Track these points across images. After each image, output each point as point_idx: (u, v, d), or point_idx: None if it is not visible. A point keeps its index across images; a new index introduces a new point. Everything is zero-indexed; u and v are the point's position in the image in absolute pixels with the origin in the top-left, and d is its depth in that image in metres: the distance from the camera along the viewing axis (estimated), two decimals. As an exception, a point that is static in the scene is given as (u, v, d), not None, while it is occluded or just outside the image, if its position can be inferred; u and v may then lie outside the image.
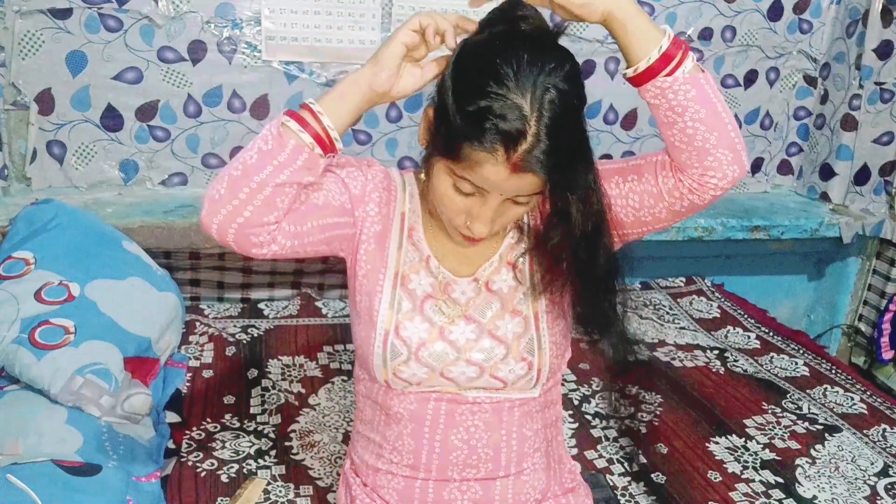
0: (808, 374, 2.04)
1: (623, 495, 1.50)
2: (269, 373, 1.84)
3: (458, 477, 1.06)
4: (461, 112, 0.85)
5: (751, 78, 2.56)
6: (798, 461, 1.63)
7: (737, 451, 1.66)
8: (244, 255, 0.94)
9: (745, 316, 2.40)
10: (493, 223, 0.92)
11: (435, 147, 0.92)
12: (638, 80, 0.89)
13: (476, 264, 1.04)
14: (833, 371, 2.06)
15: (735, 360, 2.08)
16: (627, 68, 0.90)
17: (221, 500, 1.40)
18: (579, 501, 1.19)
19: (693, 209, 0.94)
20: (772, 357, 2.13)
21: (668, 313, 2.37)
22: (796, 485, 1.56)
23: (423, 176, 0.99)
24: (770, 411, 1.83)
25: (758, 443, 1.69)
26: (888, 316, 2.49)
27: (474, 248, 1.02)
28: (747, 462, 1.62)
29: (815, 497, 1.52)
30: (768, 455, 1.65)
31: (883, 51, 2.38)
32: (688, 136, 0.89)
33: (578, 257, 0.93)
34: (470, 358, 1.01)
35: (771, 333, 2.28)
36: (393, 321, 1.00)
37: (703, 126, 0.87)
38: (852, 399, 1.91)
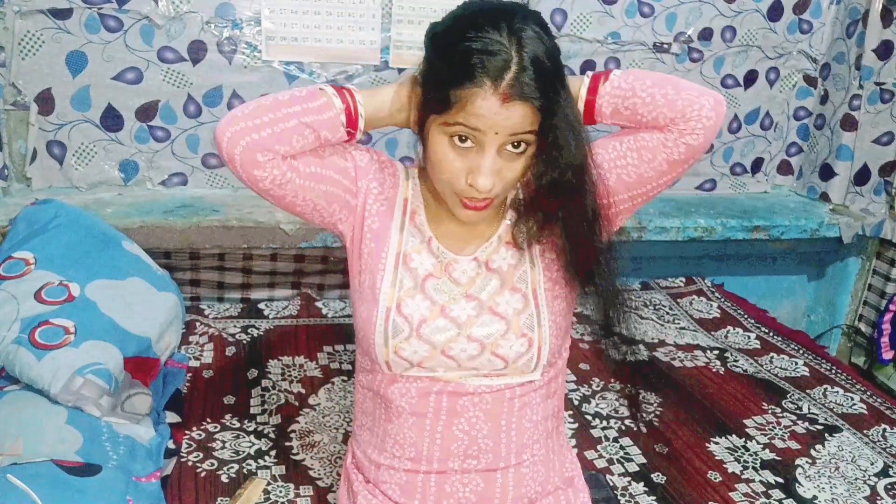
0: (808, 375, 2.04)
1: (623, 495, 1.50)
2: (269, 373, 1.84)
3: (459, 468, 1.07)
4: (446, 61, 0.90)
5: (751, 78, 2.56)
6: (798, 461, 1.63)
7: (737, 451, 1.66)
8: (247, 181, 0.97)
9: (745, 316, 2.40)
10: (495, 178, 0.93)
11: (427, 109, 0.95)
12: (591, 113, 0.99)
13: (476, 245, 1.06)
14: (833, 371, 2.06)
15: (735, 360, 2.08)
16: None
17: (221, 500, 1.40)
18: (578, 494, 1.20)
19: (692, 153, 0.98)
20: (772, 357, 2.13)
21: (668, 313, 2.37)
22: (796, 485, 1.56)
23: (420, 163, 1.04)
24: (770, 411, 1.83)
25: (758, 443, 1.69)
26: (888, 316, 2.50)
27: (474, 229, 1.05)
28: (747, 462, 1.62)
29: (815, 497, 1.52)
30: (768, 455, 1.65)
31: (883, 51, 2.38)
32: (651, 105, 0.96)
33: (569, 196, 0.96)
34: (471, 334, 1.02)
35: (771, 333, 2.28)
36: (395, 298, 1.02)
37: (656, 87, 0.96)
38: (852, 399, 1.91)
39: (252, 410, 1.69)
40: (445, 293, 1.04)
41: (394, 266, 1.04)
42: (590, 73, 1.00)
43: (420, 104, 0.97)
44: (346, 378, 1.84)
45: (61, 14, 1.94)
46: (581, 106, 0.98)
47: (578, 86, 0.99)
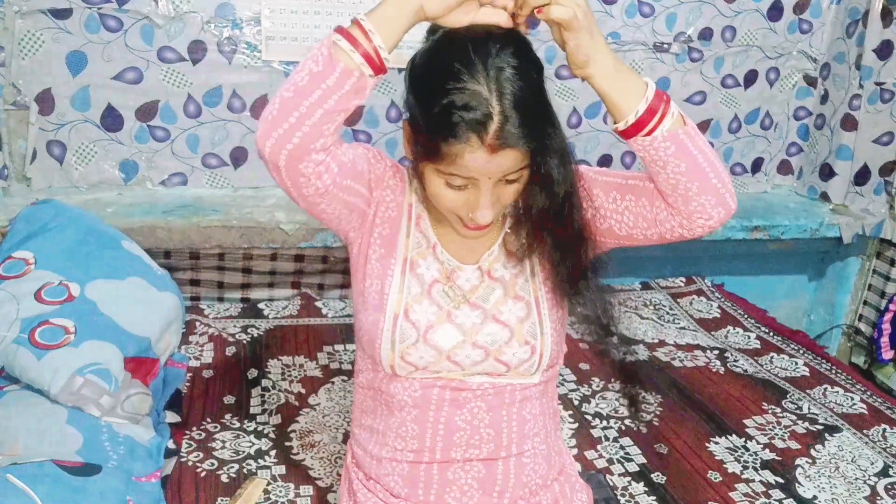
0: (808, 374, 2.04)
1: (623, 495, 1.50)
2: (269, 373, 1.84)
3: (461, 458, 1.09)
4: (428, 115, 0.90)
5: (751, 78, 2.56)
6: (798, 461, 1.63)
7: (737, 451, 1.66)
8: (292, 188, 0.93)
9: (745, 316, 2.40)
10: (494, 207, 0.95)
11: (418, 154, 0.95)
12: (624, 134, 0.94)
13: (478, 253, 1.07)
14: (833, 371, 2.06)
15: (735, 360, 2.08)
16: (615, 122, 0.94)
17: (221, 500, 1.40)
18: (576, 491, 1.21)
19: (685, 239, 0.99)
20: (772, 357, 2.13)
21: (668, 313, 2.37)
22: (796, 485, 1.56)
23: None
24: (770, 411, 1.83)
25: (758, 443, 1.69)
26: (888, 316, 2.50)
27: (478, 239, 1.06)
28: (747, 462, 1.62)
29: (815, 497, 1.52)
30: (768, 455, 1.65)
31: (883, 51, 2.38)
32: (671, 185, 0.94)
33: (560, 217, 0.96)
34: (476, 341, 1.04)
35: (771, 333, 2.28)
36: (402, 304, 1.03)
37: (685, 177, 0.92)
38: (852, 399, 1.91)
39: (252, 410, 1.69)
40: (451, 299, 1.05)
41: (401, 272, 1.04)
42: (649, 96, 0.92)
43: (412, 144, 0.97)
44: (346, 378, 1.84)
45: (61, 14, 1.94)
46: (627, 120, 0.93)
47: (632, 97, 0.92)
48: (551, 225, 0.98)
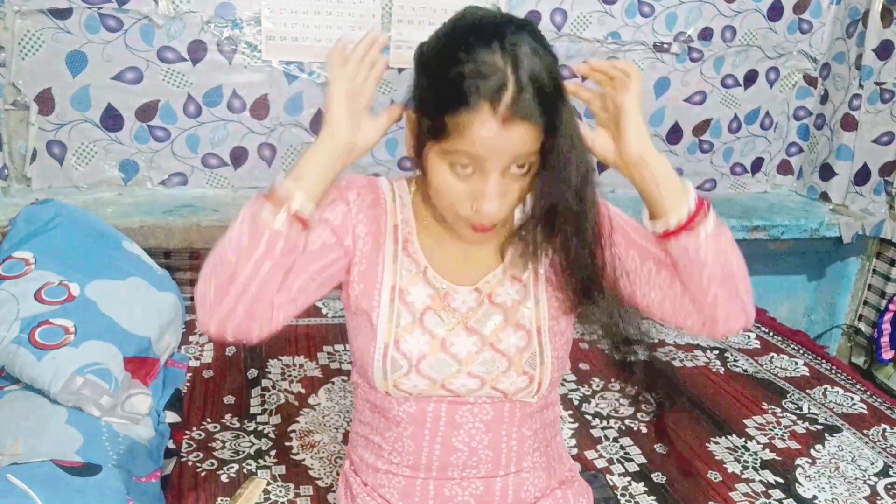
0: (808, 374, 2.04)
1: (623, 495, 1.50)
2: (269, 373, 1.84)
3: (459, 476, 1.06)
4: (439, 87, 0.86)
5: (751, 78, 2.56)
6: (798, 461, 1.63)
7: (737, 451, 1.66)
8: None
9: (745, 316, 2.39)
10: (501, 201, 0.89)
11: (424, 138, 0.90)
12: (667, 235, 0.92)
13: (477, 274, 1.02)
14: (833, 371, 2.06)
15: (735, 360, 2.08)
16: (651, 219, 0.93)
17: (221, 500, 1.40)
18: (577, 495, 1.19)
19: (702, 334, 0.99)
20: (772, 357, 2.13)
21: (668, 313, 2.37)
22: (796, 485, 1.56)
23: (413, 187, 1.02)
24: (770, 411, 1.83)
25: (758, 443, 1.69)
26: (888, 316, 2.50)
27: (473, 255, 1.01)
28: (747, 462, 1.62)
29: (815, 497, 1.52)
30: (768, 455, 1.65)
31: (883, 51, 2.38)
32: (700, 290, 0.93)
33: (568, 216, 0.92)
34: (471, 370, 0.99)
35: (771, 333, 2.28)
36: (392, 335, 0.98)
37: (714, 285, 0.92)
38: (852, 399, 1.91)
39: (252, 410, 1.69)
40: (445, 324, 0.99)
41: (389, 301, 0.99)
42: (693, 204, 0.92)
43: (416, 130, 0.92)
44: (345, 378, 1.84)
45: (61, 14, 1.94)
46: (680, 216, 0.91)
47: (675, 197, 0.92)
48: (562, 222, 0.92)
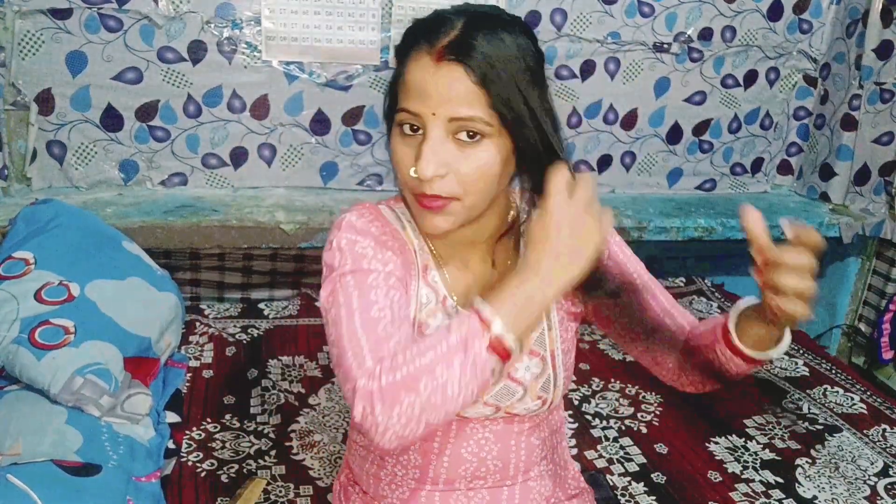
0: (808, 374, 2.04)
1: (623, 495, 1.50)
2: (269, 373, 1.84)
3: (466, 487, 1.05)
4: (398, 51, 0.87)
5: (751, 78, 2.56)
6: (798, 461, 1.63)
7: (737, 451, 1.66)
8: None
9: (745, 316, 2.39)
10: (439, 166, 0.83)
11: (388, 119, 0.91)
12: (750, 359, 0.88)
13: None
14: (833, 371, 2.06)
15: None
16: (746, 346, 0.86)
17: (221, 500, 1.40)
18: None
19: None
20: (772, 357, 2.13)
21: (668, 313, 2.36)
22: (796, 485, 1.56)
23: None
24: (770, 411, 1.83)
25: (758, 443, 1.69)
26: (888, 316, 2.49)
27: (489, 281, 0.97)
28: (747, 462, 1.62)
29: (815, 497, 1.52)
30: (768, 455, 1.65)
31: (883, 51, 2.38)
32: (718, 375, 0.93)
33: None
34: (487, 401, 0.97)
35: (771, 333, 2.28)
36: None
37: (713, 384, 0.95)
38: (852, 399, 1.91)
39: (252, 410, 1.69)
40: None
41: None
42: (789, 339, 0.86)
43: (385, 116, 0.92)
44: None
45: (61, 14, 1.94)
46: (779, 348, 0.86)
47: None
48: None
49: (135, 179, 2.15)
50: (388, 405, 0.72)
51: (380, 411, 0.72)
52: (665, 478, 1.56)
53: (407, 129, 0.86)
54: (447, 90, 0.82)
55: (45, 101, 2.00)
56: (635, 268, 1.04)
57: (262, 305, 2.19)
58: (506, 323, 0.74)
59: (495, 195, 0.90)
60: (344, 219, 0.91)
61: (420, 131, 0.85)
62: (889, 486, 1.57)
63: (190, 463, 1.49)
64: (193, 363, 1.85)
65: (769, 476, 1.58)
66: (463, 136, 0.83)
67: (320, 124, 2.23)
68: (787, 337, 0.85)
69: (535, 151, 0.86)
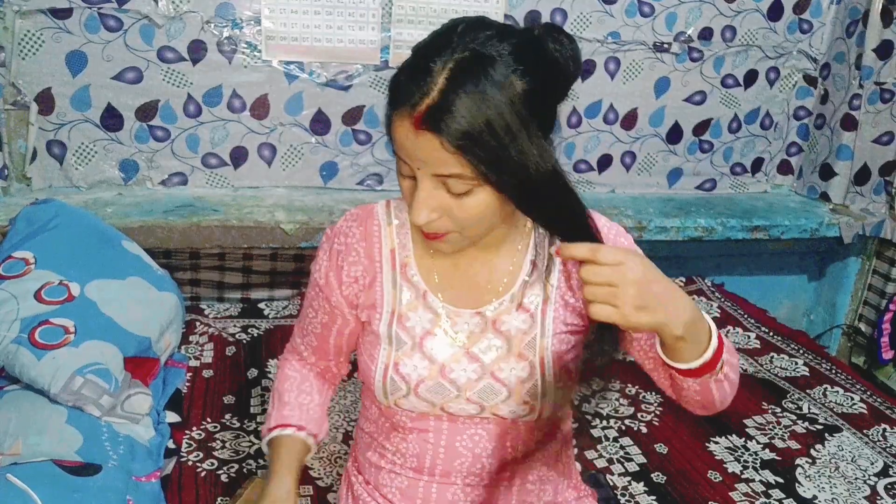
0: (808, 374, 2.04)
1: (623, 495, 1.50)
2: (269, 373, 1.84)
3: (462, 482, 1.05)
4: (391, 83, 0.85)
5: (751, 78, 2.56)
6: (798, 461, 1.63)
7: (737, 451, 1.66)
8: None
9: (745, 316, 2.40)
10: (431, 212, 0.85)
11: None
12: (688, 372, 0.89)
13: (482, 298, 0.99)
14: (833, 371, 2.06)
15: (735, 360, 2.08)
16: (669, 359, 0.87)
17: (221, 500, 1.40)
18: None
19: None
20: (772, 357, 2.13)
21: (668, 313, 2.36)
22: (796, 485, 1.56)
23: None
24: (770, 411, 1.83)
25: (758, 443, 1.69)
26: (888, 316, 2.49)
27: (476, 278, 0.99)
28: (747, 462, 1.62)
29: (815, 497, 1.52)
30: (768, 455, 1.65)
31: (883, 51, 2.38)
32: (682, 399, 0.97)
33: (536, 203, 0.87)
34: (470, 397, 0.98)
35: (771, 333, 2.28)
36: (392, 358, 0.98)
37: (699, 406, 0.98)
38: (852, 399, 1.91)
39: (252, 410, 1.69)
40: (446, 349, 0.98)
41: (388, 326, 0.99)
42: (710, 354, 0.86)
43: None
44: (345, 378, 1.83)
45: (61, 14, 1.94)
46: (679, 366, 0.87)
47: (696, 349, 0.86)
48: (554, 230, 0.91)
49: (135, 179, 2.15)
50: None
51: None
52: (665, 478, 1.56)
53: (404, 168, 0.87)
54: (427, 155, 0.82)
55: (45, 101, 2.00)
56: None
57: (262, 305, 2.19)
58: None
59: (499, 222, 0.92)
60: (331, 227, 1.06)
61: (411, 172, 0.86)
62: (889, 486, 1.57)
63: (190, 463, 1.49)
64: (193, 363, 1.85)
65: (769, 476, 1.58)
66: (453, 186, 0.84)
67: (320, 124, 2.23)
68: (713, 343, 0.86)
69: (527, 191, 0.84)
